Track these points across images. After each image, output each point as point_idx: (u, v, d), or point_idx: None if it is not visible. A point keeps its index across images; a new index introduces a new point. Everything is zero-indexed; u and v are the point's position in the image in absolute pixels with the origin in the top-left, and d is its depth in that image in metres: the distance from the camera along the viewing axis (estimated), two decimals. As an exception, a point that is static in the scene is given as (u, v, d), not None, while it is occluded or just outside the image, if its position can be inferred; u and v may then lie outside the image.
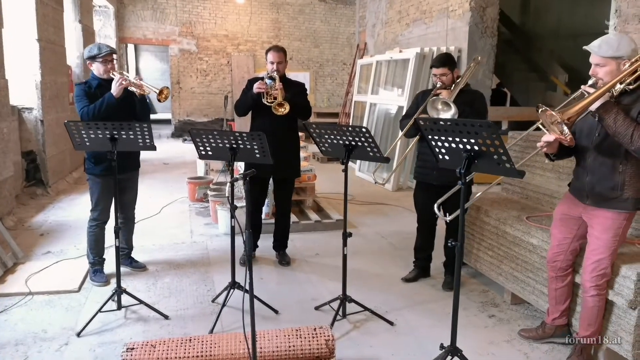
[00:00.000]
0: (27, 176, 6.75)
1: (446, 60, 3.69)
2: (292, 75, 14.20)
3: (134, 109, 3.76)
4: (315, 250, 4.79)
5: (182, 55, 13.62)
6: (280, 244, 4.46)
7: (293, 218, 5.51)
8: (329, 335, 2.60)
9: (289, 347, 2.53)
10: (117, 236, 3.38)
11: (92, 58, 3.66)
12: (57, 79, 7.30)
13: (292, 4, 14.17)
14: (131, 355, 2.42)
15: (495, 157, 2.31)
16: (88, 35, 9.63)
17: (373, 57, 9.72)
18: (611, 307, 2.80)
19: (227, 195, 2.07)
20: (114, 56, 3.73)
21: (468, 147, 2.36)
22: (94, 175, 3.79)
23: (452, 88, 3.64)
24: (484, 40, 7.69)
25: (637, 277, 2.59)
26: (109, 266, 3.96)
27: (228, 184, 2.22)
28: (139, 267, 4.23)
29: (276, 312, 3.49)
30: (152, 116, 18.12)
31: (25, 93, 6.62)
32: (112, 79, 3.64)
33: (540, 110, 2.44)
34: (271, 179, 4.51)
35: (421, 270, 4.13)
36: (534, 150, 3.63)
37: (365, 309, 3.39)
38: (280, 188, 4.35)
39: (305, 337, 2.57)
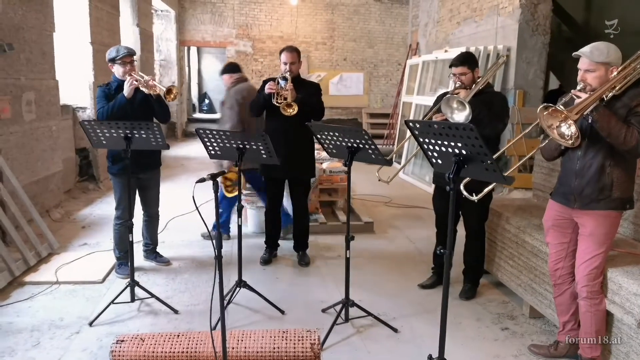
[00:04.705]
0: (80, 172, 7.17)
1: (465, 59, 3.56)
2: (346, 76, 14.32)
3: (152, 111, 3.89)
4: (339, 252, 4.75)
5: (238, 56, 13.91)
6: (299, 244, 4.46)
7: (321, 219, 5.51)
8: (315, 339, 2.57)
9: (274, 348, 2.53)
10: (130, 231, 3.52)
11: (112, 60, 3.81)
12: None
13: (347, 4, 14.13)
14: (120, 347, 2.51)
15: (482, 162, 2.21)
16: (146, 38, 10.07)
17: (420, 57, 9.53)
18: (622, 326, 2.59)
19: (192, 195, 2.09)
20: (134, 58, 3.85)
21: (457, 150, 2.26)
22: (112, 175, 3.95)
23: (471, 88, 3.50)
24: (535, 39, 7.32)
25: (650, 296, 2.38)
26: (136, 260, 4.10)
27: (195, 183, 2.24)
28: (163, 261, 4.38)
29: (282, 312, 3.50)
30: (208, 116, 18.71)
31: (79, 93, 7.05)
32: None
33: (549, 109, 2.41)
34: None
35: (440, 277, 3.99)
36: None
37: (369, 314, 3.32)
38: (294, 188, 4.35)
39: (291, 340, 2.56)
